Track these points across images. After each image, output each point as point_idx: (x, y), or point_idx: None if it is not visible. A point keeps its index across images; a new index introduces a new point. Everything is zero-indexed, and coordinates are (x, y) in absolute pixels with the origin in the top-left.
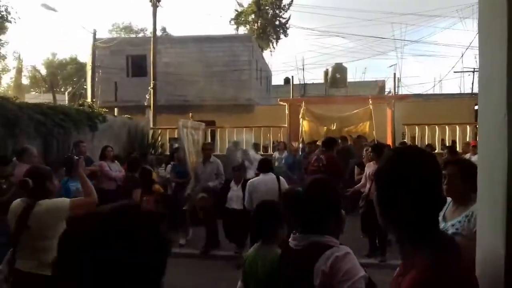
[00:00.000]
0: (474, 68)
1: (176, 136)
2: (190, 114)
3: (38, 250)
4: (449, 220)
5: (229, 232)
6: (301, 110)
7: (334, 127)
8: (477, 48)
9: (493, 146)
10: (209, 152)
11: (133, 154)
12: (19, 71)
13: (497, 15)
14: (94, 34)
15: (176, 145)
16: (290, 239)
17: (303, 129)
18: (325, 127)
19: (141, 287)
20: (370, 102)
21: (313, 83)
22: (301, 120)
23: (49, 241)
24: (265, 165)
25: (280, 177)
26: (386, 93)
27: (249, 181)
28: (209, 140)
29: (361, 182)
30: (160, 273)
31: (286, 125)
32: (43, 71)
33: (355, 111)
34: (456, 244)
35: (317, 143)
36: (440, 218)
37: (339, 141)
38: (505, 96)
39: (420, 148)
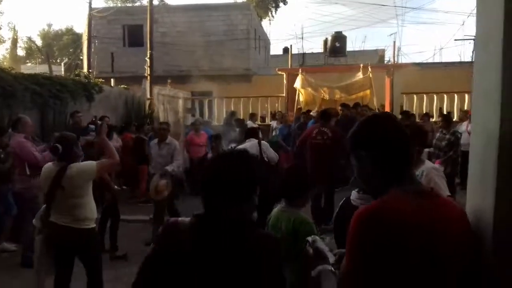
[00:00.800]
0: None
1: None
2: (169, 81)
3: (71, 207)
4: None
5: None
6: (298, 78)
7: (333, 96)
8: None
9: (487, 101)
10: (164, 133)
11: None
12: (14, 42)
13: None
14: (90, 3)
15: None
16: (353, 197)
17: (301, 99)
18: (321, 97)
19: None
20: (370, 70)
21: (312, 53)
22: (298, 89)
23: (80, 199)
24: (250, 134)
25: (263, 142)
26: (386, 62)
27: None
28: (204, 111)
29: None
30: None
31: (284, 95)
32: (39, 42)
33: (354, 79)
34: (412, 195)
35: (311, 113)
36: None
37: (340, 108)
38: (500, 55)
39: (386, 115)
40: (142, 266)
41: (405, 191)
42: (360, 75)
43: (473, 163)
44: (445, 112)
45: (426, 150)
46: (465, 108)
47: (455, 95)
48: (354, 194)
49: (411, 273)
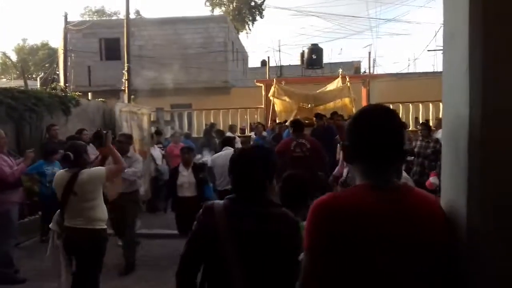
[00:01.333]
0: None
1: (152, 119)
2: (132, 96)
3: (84, 209)
4: None
5: (182, 225)
6: (272, 88)
7: (308, 106)
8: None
9: (455, 99)
10: (122, 146)
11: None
12: None
13: None
14: (66, 17)
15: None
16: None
17: (276, 109)
18: (297, 105)
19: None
20: (348, 79)
21: (289, 65)
22: (272, 98)
23: (92, 202)
24: (226, 143)
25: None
26: (362, 73)
27: (211, 157)
28: (184, 123)
29: (338, 167)
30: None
31: (263, 106)
32: (14, 58)
33: (330, 88)
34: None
35: (286, 123)
36: None
37: (314, 119)
38: (467, 49)
39: (376, 108)
40: (188, 241)
41: (367, 185)
42: (336, 83)
43: (445, 156)
44: (421, 121)
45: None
46: (440, 116)
47: (430, 104)
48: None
49: (359, 259)
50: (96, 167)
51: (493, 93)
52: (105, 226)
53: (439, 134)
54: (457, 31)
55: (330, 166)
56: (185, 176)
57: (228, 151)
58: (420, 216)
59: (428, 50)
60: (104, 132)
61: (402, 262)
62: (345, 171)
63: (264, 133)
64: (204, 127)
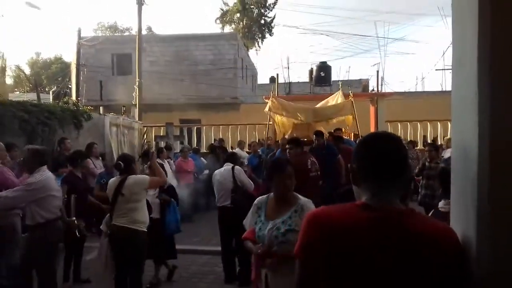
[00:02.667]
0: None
1: (162, 134)
2: (123, 108)
3: (129, 210)
4: (277, 219)
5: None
6: (268, 102)
7: (307, 119)
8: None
9: (465, 123)
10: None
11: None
12: (2, 70)
13: None
14: (79, 32)
15: (163, 144)
16: (440, 205)
17: (277, 125)
18: (294, 121)
19: None
20: (351, 94)
21: (298, 82)
22: (269, 114)
23: (136, 203)
24: (228, 159)
25: (236, 167)
26: (370, 91)
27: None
28: (193, 138)
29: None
30: None
31: (271, 123)
32: (27, 71)
33: (331, 103)
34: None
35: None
36: (262, 218)
37: (314, 137)
38: (475, 78)
39: (380, 134)
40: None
41: (361, 204)
42: (337, 98)
43: (454, 183)
44: (429, 140)
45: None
46: (448, 135)
47: (438, 123)
48: (441, 203)
49: (337, 274)
50: (141, 175)
51: (502, 124)
52: (145, 229)
53: (448, 153)
54: (465, 59)
55: (331, 189)
56: (150, 196)
57: (227, 167)
58: (414, 243)
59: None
60: (151, 151)
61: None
62: None
63: (259, 151)
64: (212, 143)
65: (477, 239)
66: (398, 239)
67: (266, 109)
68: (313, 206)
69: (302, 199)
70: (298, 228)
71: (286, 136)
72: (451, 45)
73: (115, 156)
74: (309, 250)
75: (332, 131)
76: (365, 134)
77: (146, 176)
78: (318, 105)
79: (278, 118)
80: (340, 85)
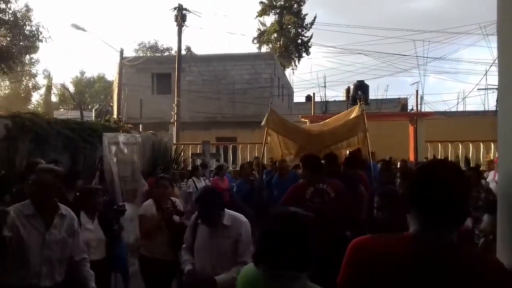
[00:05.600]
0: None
1: (198, 151)
2: (129, 126)
3: None
4: None
5: None
6: (266, 116)
7: (311, 146)
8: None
9: (510, 158)
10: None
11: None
12: (48, 88)
13: None
14: (121, 53)
15: (201, 162)
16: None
17: (278, 144)
18: (293, 149)
19: None
20: (362, 106)
21: (334, 101)
22: (265, 129)
23: None
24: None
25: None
26: (408, 110)
27: None
28: (229, 156)
29: None
30: None
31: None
32: (72, 89)
33: (342, 120)
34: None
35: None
36: None
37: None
38: None
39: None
40: None
41: (411, 235)
42: (349, 112)
43: (500, 220)
44: (471, 162)
45: None
46: (491, 157)
47: (481, 143)
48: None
49: None
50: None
51: None
52: None
53: (490, 176)
54: None
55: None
56: (91, 230)
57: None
58: (460, 282)
59: (478, 89)
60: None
61: None
62: None
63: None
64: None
65: None
66: (439, 278)
67: (263, 123)
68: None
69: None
70: None
71: (288, 158)
72: (497, 70)
73: (115, 176)
74: (351, 276)
75: (348, 152)
76: (401, 155)
77: None
78: (326, 128)
79: (271, 138)
80: (359, 103)
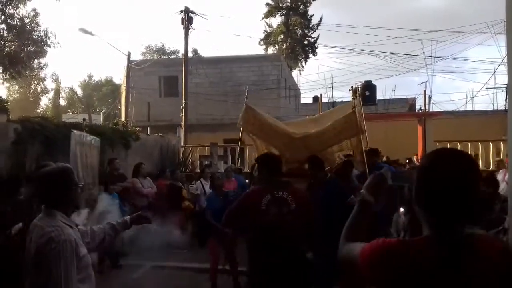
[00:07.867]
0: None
1: (206, 153)
2: (84, 120)
3: None
4: None
5: None
6: (242, 111)
7: (291, 152)
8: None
9: None
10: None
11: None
12: (57, 92)
13: None
14: (129, 56)
15: (206, 162)
16: None
17: (258, 145)
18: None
19: None
20: (354, 103)
21: (342, 101)
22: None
23: None
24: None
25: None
26: (416, 110)
27: None
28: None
29: None
30: None
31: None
32: (80, 93)
33: (331, 119)
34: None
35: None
36: None
37: (307, 167)
38: None
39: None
40: None
41: (430, 238)
42: (340, 109)
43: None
44: (480, 161)
45: None
46: (501, 156)
47: (490, 143)
48: None
49: None
50: None
51: None
52: None
53: (500, 175)
54: None
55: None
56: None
57: None
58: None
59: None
60: None
61: None
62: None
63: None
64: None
65: None
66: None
67: (239, 121)
68: None
69: None
70: None
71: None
72: (506, 69)
73: (81, 177)
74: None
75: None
76: (408, 155)
77: None
78: (314, 130)
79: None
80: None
